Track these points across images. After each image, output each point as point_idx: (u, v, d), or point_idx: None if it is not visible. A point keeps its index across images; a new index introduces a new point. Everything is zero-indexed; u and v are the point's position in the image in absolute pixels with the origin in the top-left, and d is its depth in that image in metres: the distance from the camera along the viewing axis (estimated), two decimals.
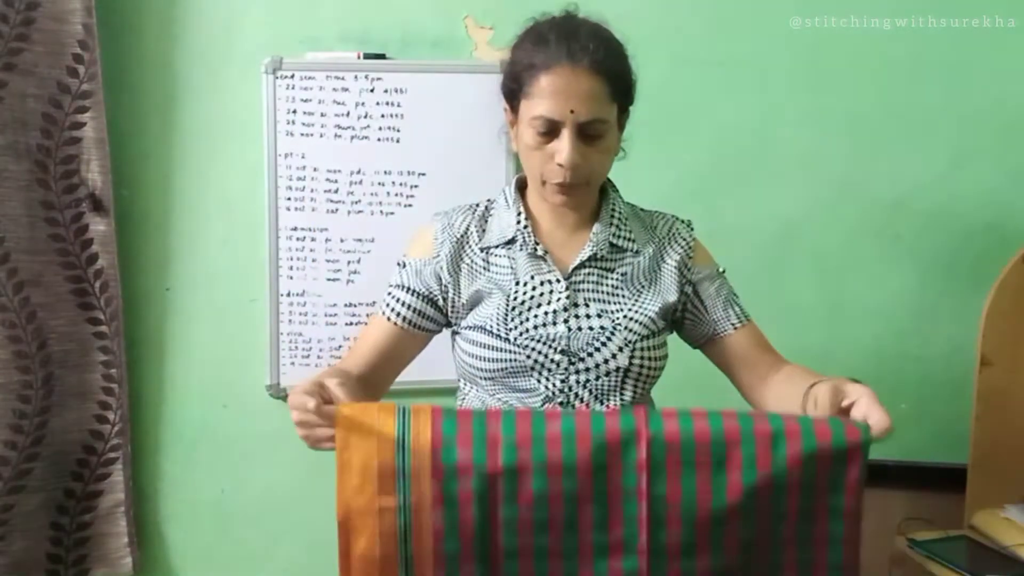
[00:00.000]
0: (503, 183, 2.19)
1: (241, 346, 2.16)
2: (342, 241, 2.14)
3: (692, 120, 2.21)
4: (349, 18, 2.13)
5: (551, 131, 1.29)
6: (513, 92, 1.35)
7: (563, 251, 1.39)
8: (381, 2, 2.14)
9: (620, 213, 1.43)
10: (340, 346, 2.16)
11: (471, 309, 1.39)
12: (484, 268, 1.40)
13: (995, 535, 1.87)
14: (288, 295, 2.14)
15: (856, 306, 2.26)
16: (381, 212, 2.14)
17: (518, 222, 1.39)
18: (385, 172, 2.14)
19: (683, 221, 1.48)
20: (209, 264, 2.16)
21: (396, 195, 2.15)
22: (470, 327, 1.38)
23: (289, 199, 2.12)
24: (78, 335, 2.05)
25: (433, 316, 1.42)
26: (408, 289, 1.41)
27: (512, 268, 1.38)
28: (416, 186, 2.15)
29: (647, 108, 2.15)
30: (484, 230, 1.41)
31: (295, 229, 2.13)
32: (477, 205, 1.45)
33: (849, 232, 2.24)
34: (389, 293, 1.43)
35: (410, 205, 2.15)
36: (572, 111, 1.27)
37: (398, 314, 1.41)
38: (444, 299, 1.41)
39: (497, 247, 1.40)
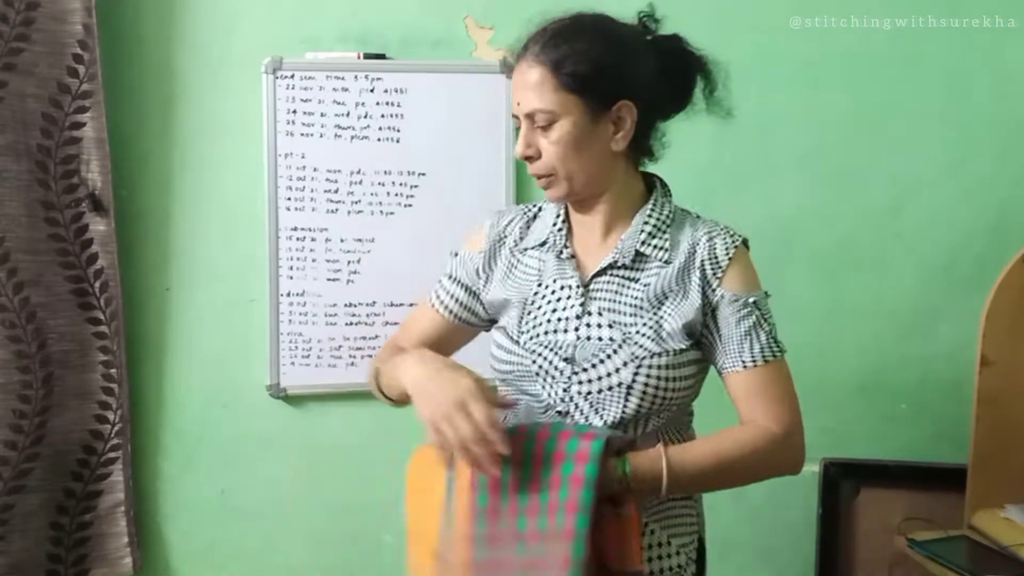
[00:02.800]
0: (503, 183, 2.20)
1: (241, 346, 2.16)
2: (342, 241, 2.14)
3: (692, 120, 2.20)
4: (349, 18, 2.13)
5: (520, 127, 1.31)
6: None
7: (591, 257, 1.35)
8: (381, 2, 2.14)
9: (658, 219, 1.35)
10: (340, 346, 2.16)
11: (501, 309, 1.39)
12: (517, 269, 1.39)
13: (995, 535, 1.87)
14: (288, 295, 2.14)
15: (856, 306, 2.26)
16: (381, 212, 2.14)
17: (554, 224, 1.38)
18: (385, 172, 2.14)
19: (732, 236, 1.35)
20: (209, 264, 2.16)
21: (396, 195, 2.15)
22: (497, 328, 1.38)
23: (289, 199, 2.12)
24: (78, 335, 2.05)
25: (475, 309, 1.43)
26: (454, 279, 1.44)
27: (540, 270, 1.37)
28: (416, 186, 2.15)
29: None
30: (526, 232, 1.41)
31: (295, 229, 2.13)
32: (532, 206, 1.44)
33: (849, 232, 2.24)
34: (440, 282, 1.45)
35: (410, 205, 2.15)
36: (519, 103, 1.29)
37: (443, 303, 1.44)
38: (483, 295, 1.42)
39: (533, 248, 1.39)
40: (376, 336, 2.15)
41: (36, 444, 2.02)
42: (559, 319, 1.32)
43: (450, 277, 1.44)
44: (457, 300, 1.43)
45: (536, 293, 1.35)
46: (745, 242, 1.37)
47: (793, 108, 2.21)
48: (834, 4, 2.17)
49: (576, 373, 1.30)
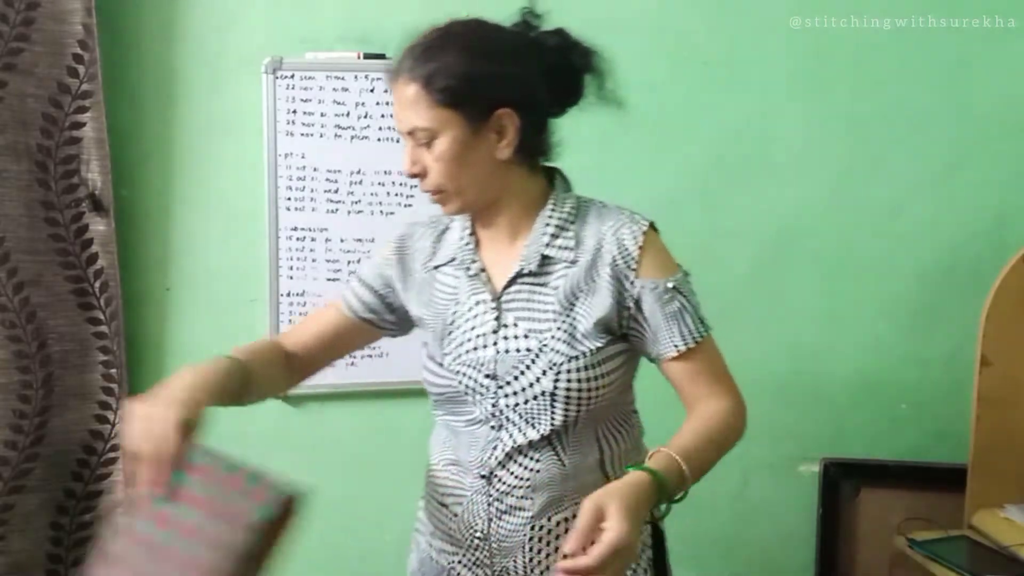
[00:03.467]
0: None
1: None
2: (342, 241, 2.14)
3: (692, 120, 2.21)
4: (349, 18, 2.13)
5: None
6: None
7: (499, 268, 1.33)
8: (381, 2, 2.14)
9: (560, 218, 1.32)
10: None
11: (423, 326, 1.39)
12: (432, 288, 1.39)
13: (995, 535, 1.87)
14: (288, 295, 2.14)
15: (856, 306, 2.26)
16: (381, 212, 2.14)
17: (461, 239, 1.37)
18: (385, 172, 2.14)
19: (638, 222, 1.32)
20: (209, 264, 2.16)
21: (396, 195, 2.15)
22: (424, 346, 1.39)
23: (289, 199, 2.12)
24: (78, 335, 2.05)
25: (380, 312, 1.44)
26: (362, 282, 1.45)
27: (455, 288, 1.36)
28: (416, 186, 2.14)
29: (647, 107, 2.17)
30: (437, 249, 1.41)
31: (295, 229, 2.13)
32: (438, 222, 1.43)
33: (849, 232, 2.24)
34: (349, 283, 1.47)
35: (410, 205, 2.15)
36: (399, 121, 1.28)
37: (347, 303, 1.45)
38: (393, 300, 1.43)
39: (444, 265, 1.38)
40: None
41: (36, 444, 2.02)
42: (478, 335, 1.32)
43: (360, 281, 1.45)
44: (361, 301, 1.44)
45: (454, 312, 1.34)
46: (652, 225, 1.34)
47: (793, 108, 2.21)
48: (834, 4, 2.17)
49: (501, 387, 1.30)
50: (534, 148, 1.33)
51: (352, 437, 2.20)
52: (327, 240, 2.14)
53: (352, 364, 2.16)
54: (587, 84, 1.34)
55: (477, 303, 1.33)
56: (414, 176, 1.29)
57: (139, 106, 2.10)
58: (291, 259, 2.14)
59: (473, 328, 1.32)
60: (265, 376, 1.38)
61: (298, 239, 2.13)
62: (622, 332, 1.31)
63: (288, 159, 2.11)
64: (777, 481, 2.29)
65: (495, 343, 1.30)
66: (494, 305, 1.32)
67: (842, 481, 2.26)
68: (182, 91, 2.11)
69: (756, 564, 2.31)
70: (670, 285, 1.30)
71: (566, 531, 1.26)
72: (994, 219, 2.24)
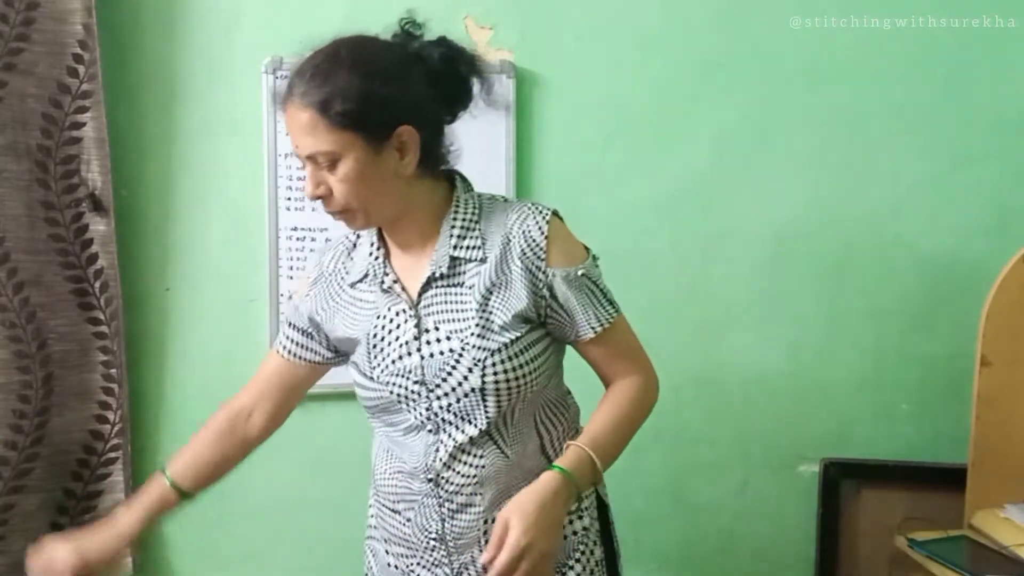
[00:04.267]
0: (502, 183, 2.19)
1: (241, 346, 2.16)
2: None
3: (692, 120, 2.21)
4: (349, 18, 2.12)
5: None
6: None
7: (412, 276, 1.36)
8: (381, 2, 2.13)
9: (465, 219, 1.35)
10: None
11: (350, 345, 1.41)
12: (351, 305, 1.41)
13: (995, 535, 1.87)
14: (288, 295, 2.14)
15: (856, 306, 2.26)
16: None
17: (371, 253, 1.39)
18: None
19: (541, 212, 1.35)
20: (209, 264, 2.16)
21: None
22: (351, 364, 1.42)
23: (289, 199, 2.12)
24: (78, 335, 2.05)
25: (314, 348, 1.48)
26: (290, 324, 1.49)
27: (375, 302, 1.38)
28: None
29: (647, 108, 2.17)
30: (351, 264, 1.42)
31: (295, 229, 2.13)
32: (347, 238, 1.45)
33: (849, 231, 2.24)
34: (282, 327, 1.51)
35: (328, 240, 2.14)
36: (297, 146, 1.28)
37: (284, 347, 1.49)
38: (321, 334, 1.46)
39: (360, 281, 1.40)
40: None
41: (36, 444, 2.02)
42: (400, 344, 1.34)
43: (288, 323, 1.49)
44: (295, 342, 1.48)
45: (376, 325, 1.37)
46: (555, 213, 1.37)
47: (793, 108, 2.21)
48: (834, 4, 2.17)
49: (431, 391, 1.33)
50: (435, 158, 1.35)
51: (352, 437, 2.20)
52: (327, 240, 2.13)
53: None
54: (473, 88, 1.37)
55: (397, 313, 1.36)
56: (317, 198, 1.29)
57: (139, 106, 2.10)
58: (291, 259, 2.14)
59: (397, 338, 1.35)
60: (210, 466, 1.48)
61: (298, 239, 2.13)
62: (541, 320, 1.35)
63: (288, 159, 2.11)
64: (777, 481, 2.29)
65: (419, 349, 1.33)
66: (412, 313, 1.35)
67: (842, 481, 2.26)
68: (182, 91, 2.11)
69: (756, 564, 2.31)
70: (580, 272, 1.34)
71: None
72: (994, 219, 2.24)
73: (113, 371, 2.07)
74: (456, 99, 1.36)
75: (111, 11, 2.04)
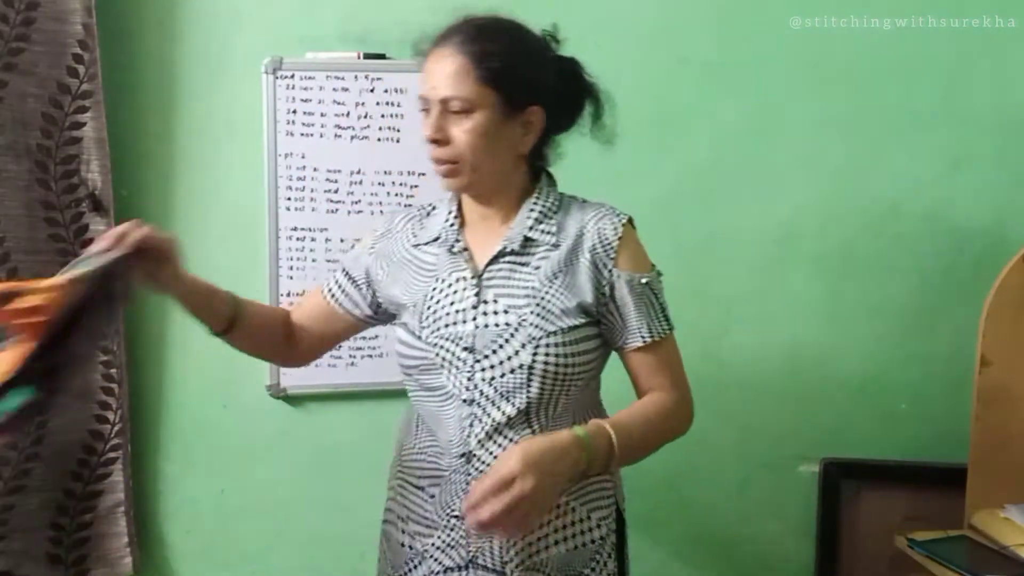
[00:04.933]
0: None
1: None
2: (342, 241, 2.14)
3: (692, 120, 2.21)
4: (349, 18, 2.13)
5: (427, 111, 1.35)
6: None
7: (483, 249, 1.41)
8: (381, 2, 2.14)
9: (545, 206, 1.41)
10: (340, 346, 2.15)
11: (396, 304, 1.45)
12: (412, 265, 1.45)
13: (995, 535, 1.87)
14: (288, 295, 2.14)
15: (856, 306, 2.26)
16: (381, 212, 2.14)
17: (447, 220, 1.44)
18: (385, 172, 2.14)
19: (618, 215, 1.41)
20: (209, 264, 2.14)
21: (396, 195, 2.15)
22: (398, 324, 1.44)
23: (289, 199, 2.12)
24: None
25: (357, 301, 1.52)
26: (344, 271, 1.53)
27: (435, 265, 1.42)
28: (416, 186, 2.15)
29: (647, 108, 2.17)
30: (421, 229, 1.47)
31: (295, 229, 2.13)
32: (423, 207, 1.51)
33: (849, 232, 2.24)
34: (333, 272, 1.56)
35: (410, 205, 2.14)
36: (434, 87, 1.33)
37: (329, 290, 1.55)
38: (369, 290, 1.49)
39: (427, 244, 1.45)
40: (376, 336, 2.15)
41: (36, 444, 2.02)
42: (456, 311, 1.37)
43: (342, 269, 1.54)
44: (341, 288, 1.53)
45: (434, 288, 1.40)
46: (631, 221, 1.43)
47: (793, 108, 2.21)
48: (834, 4, 2.17)
49: (478, 361, 1.34)
50: (542, 152, 1.44)
51: (352, 437, 2.20)
52: (327, 240, 2.14)
53: (352, 364, 2.17)
54: (584, 115, 1.44)
55: (457, 280, 1.39)
56: (435, 142, 1.34)
57: (139, 106, 2.10)
58: (291, 259, 2.14)
59: (452, 303, 1.38)
60: (258, 321, 1.50)
61: (298, 239, 2.13)
62: (596, 317, 1.38)
63: (288, 159, 2.11)
64: (777, 481, 2.29)
65: (474, 318, 1.36)
66: (475, 282, 1.38)
67: (842, 481, 2.26)
68: (182, 91, 2.11)
69: (756, 564, 2.31)
70: (643, 280, 1.39)
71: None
72: (994, 219, 2.24)
73: (113, 371, 2.07)
74: (569, 112, 1.43)
75: (111, 11, 2.04)
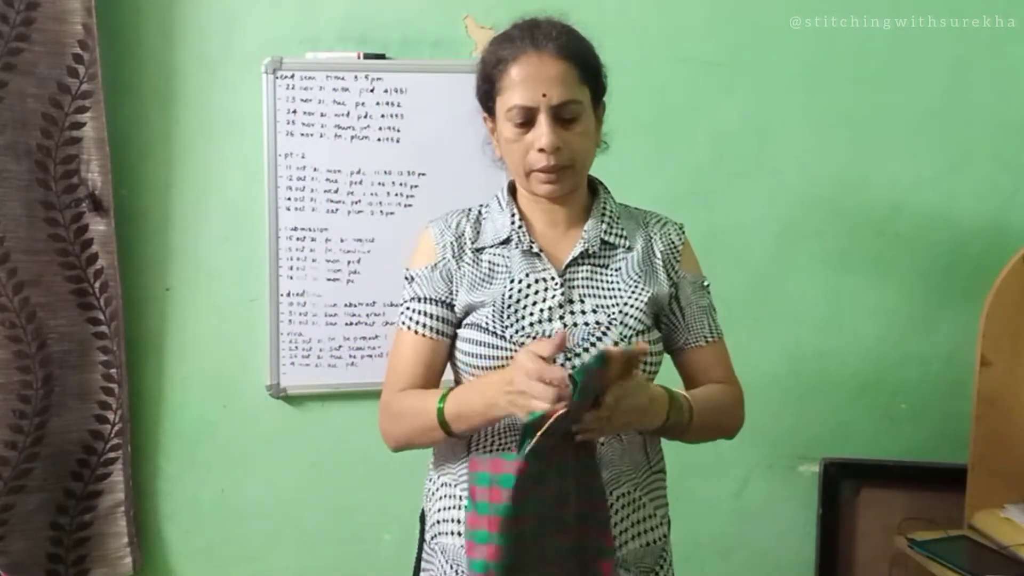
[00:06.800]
0: (503, 183, 2.19)
1: (241, 346, 2.16)
2: (342, 241, 2.14)
3: (692, 120, 2.21)
4: (349, 18, 2.13)
5: (527, 120, 1.32)
6: (487, 93, 1.38)
7: (556, 249, 1.40)
8: (381, 2, 2.14)
9: (612, 211, 1.44)
10: (340, 346, 2.16)
11: (468, 307, 1.39)
12: (479, 267, 1.41)
13: (995, 535, 1.87)
14: (288, 295, 2.14)
15: (856, 306, 2.26)
16: (381, 212, 2.14)
17: (512, 222, 1.41)
18: (385, 172, 2.14)
19: (676, 223, 1.48)
20: (209, 264, 2.16)
21: (396, 195, 2.15)
22: (468, 325, 1.39)
23: (289, 199, 2.12)
24: (78, 335, 2.05)
25: (451, 320, 1.41)
26: (426, 299, 1.41)
27: (507, 267, 1.39)
28: (416, 186, 2.15)
29: (647, 108, 2.17)
30: (479, 232, 1.44)
31: (295, 229, 2.13)
32: (470, 209, 1.47)
33: (849, 232, 2.24)
34: (408, 307, 1.42)
35: (410, 205, 2.15)
36: (544, 95, 1.30)
37: (425, 326, 1.40)
38: (452, 303, 1.41)
39: (492, 247, 1.41)
40: (376, 336, 2.15)
41: (36, 444, 2.02)
42: (541, 310, 1.35)
43: (418, 299, 1.42)
44: (435, 317, 1.41)
45: (512, 288, 1.37)
46: (682, 227, 1.49)
47: (793, 108, 2.21)
48: (834, 4, 2.18)
49: (569, 359, 1.32)
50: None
51: (352, 437, 2.20)
52: (327, 240, 2.14)
53: (352, 364, 2.17)
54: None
55: (537, 280, 1.38)
56: (557, 149, 1.32)
57: (139, 106, 2.10)
58: (291, 259, 2.14)
59: (535, 303, 1.36)
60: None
61: (298, 239, 2.13)
62: (660, 320, 1.42)
63: (288, 159, 2.11)
64: (777, 481, 2.30)
65: (561, 317, 1.35)
66: (559, 282, 1.37)
67: (842, 481, 2.26)
68: (182, 91, 2.11)
69: (756, 564, 2.31)
70: (705, 283, 1.47)
71: (624, 506, 1.34)
72: (994, 219, 2.24)
73: (113, 371, 2.07)
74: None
75: (111, 11, 2.04)
